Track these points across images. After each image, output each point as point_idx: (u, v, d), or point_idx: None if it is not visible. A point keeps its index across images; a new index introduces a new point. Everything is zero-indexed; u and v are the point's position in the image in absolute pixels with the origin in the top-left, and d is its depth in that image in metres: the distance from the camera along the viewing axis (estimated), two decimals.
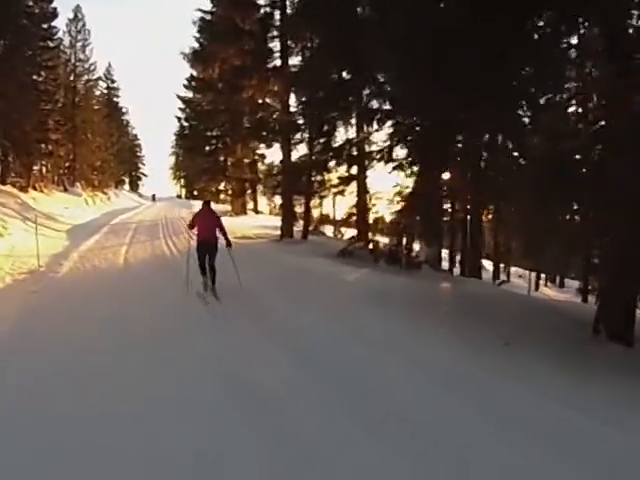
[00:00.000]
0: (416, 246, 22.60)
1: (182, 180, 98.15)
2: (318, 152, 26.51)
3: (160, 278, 16.37)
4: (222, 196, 57.85)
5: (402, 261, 20.34)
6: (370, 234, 25.00)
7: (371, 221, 27.01)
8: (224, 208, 51.56)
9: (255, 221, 40.56)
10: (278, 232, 29.12)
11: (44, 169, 51.66)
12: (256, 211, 52.09)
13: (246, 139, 39.92)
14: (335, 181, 27.08)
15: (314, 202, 28.76)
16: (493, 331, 11.61)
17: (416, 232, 20.97)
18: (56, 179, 55.32)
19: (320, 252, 22.76)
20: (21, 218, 27.74)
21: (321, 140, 26.22)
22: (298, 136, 27.51)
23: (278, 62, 28.09)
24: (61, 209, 41.15)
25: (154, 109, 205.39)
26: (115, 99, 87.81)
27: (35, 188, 44.22)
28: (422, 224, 20.70)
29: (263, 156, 47.50)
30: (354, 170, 26.61)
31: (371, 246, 23.04)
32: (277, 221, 36.72)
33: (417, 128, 18.03)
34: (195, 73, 48.24)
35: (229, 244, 14.21)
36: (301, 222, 28.49)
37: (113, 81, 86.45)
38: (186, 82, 52.85)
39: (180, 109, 56.44)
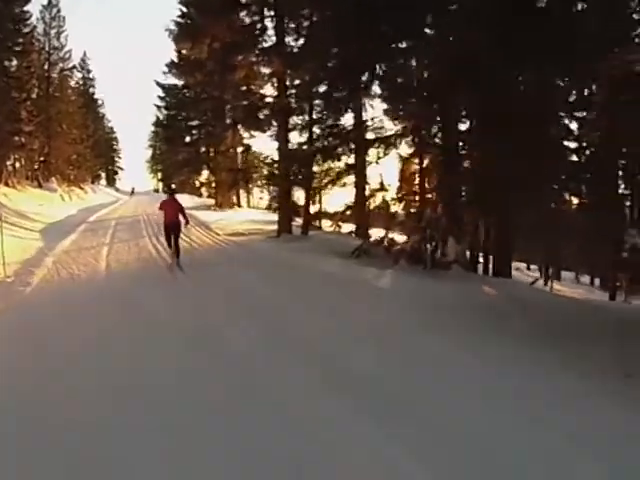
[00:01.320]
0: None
1: (159, 174, 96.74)
2: (322, 137, 23.87)
3: (151, 287, 13.75)
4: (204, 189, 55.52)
5: (427, 261, 17.66)
6: (386, 231, 22.26)
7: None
8: (204, 202, 49.53)
9: (242, 216, 37.71)
10: (271, 227, 26.63)
11: (17, 163, 48.67)
12: (238, 205, 49.38)
13: (235, 127, 37.31)
14: (336, 170, 24.55)
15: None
16: (592, 354, 9.10)
17: (441, 227, 18.32)
18: (30, 174, 52.61)
19: (327, 250, 20.25)
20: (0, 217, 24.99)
21: (328, 123, 23.61)
22: (298, 121, 24.97)
23: (272, 41, 25.63)
24: (35, 206, 38.30)
25: (129, 101, 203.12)
26: (91, 89, 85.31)
27: (7, 184, 41.54)
28: (449, 217, 18.22)
29: (249, 146, 45.21)
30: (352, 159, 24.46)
31: (386, 243, 20.36)
32: (265, 215, 35.26)
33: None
34: (179, 53, 45.56)
35: (187, 223, 18.13)
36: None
37: (89, 71, 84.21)
38: (166, 68, 49.87)
39: (159, 97, 53.38)
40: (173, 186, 24.00)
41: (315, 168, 24.52)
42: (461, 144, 19.47)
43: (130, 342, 9.06)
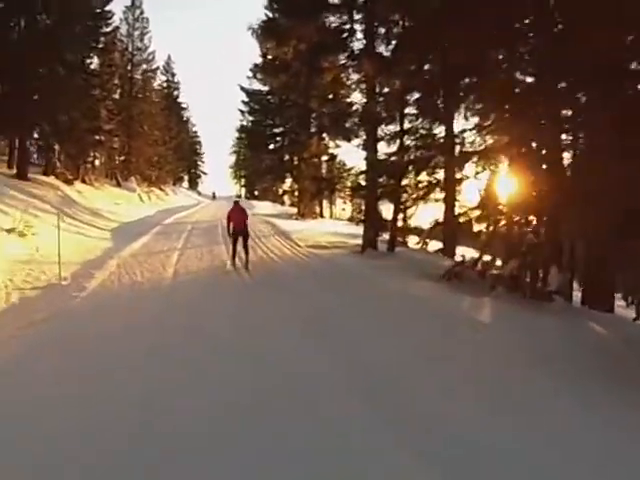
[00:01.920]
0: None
1: (242, 180, 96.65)
2: (414, 148, 22.12)
3: (220, 301, 12.30)
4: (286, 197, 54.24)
5: (525, 289, 15.72)
6: (480, 252, 20.23)
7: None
8: (286, 210, 48.40)
9: (324, 227, 35.97)
10: (355, 241, 25.01)
11: (97, 161, 48.17)
12: (321, 215, 47.99)
13: (320, 135, 35.94)
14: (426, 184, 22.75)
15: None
16: None
17: (544, 254, 16.37)
18: (109, 173, 52.72)
19: (415, 271, 18.22)
20: (58, 214, 23.91)
21: (422, 133, 21.97)
22: (387, 130, 23.30)
23: (358, 45, 23.95)
24: (111, 205, 37.98)
25: (214, 107, 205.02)
26: (175, 92, 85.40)
27: (85, 181, 41.05)
28: (553, 244, 16.32)
29: (334, 156, 43.87)
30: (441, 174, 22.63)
31: (479, 267, 18.38)
32: (348, 228, 33.51)
33: None
34: (264, 57, 45.15)
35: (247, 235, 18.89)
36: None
37: (173, 74, 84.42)
38: (251, 73, 48.84)
39: (244, 102, 52.27)
40: (244, 196, 23.86)
41: (404, 181, 22.93)
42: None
43: (186, 364, 7.78)
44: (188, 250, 20.72)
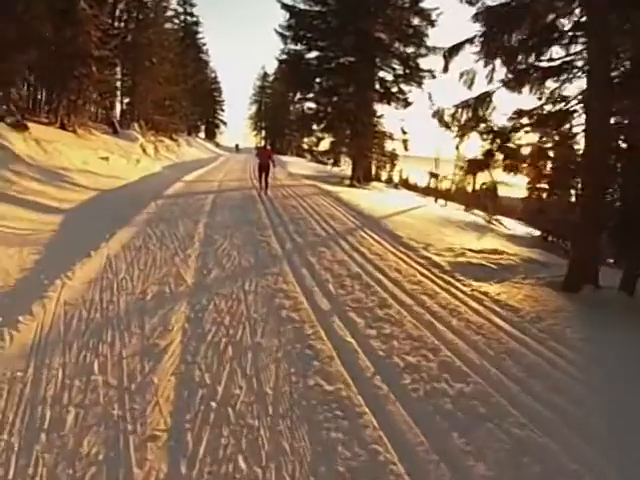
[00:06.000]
0: None
1: (262, 132, 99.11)
2: None
3: None
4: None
5: None
6: None
7: None
8: (327, 170, 43.38)
9: (412, 204, 25.70)
10: (507, 244, 15.39)
11: (80, 101, 35.46)
12: (375, 178, 40.09)
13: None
14: None
15: None
16: None
17: None
18: (103, 116, 42.62)
19: None
20: None
21: None
22: None
23: None
24: (94, 161, 25.89)
25: (234, 56, 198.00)
26: (193, 28, 76.94)
27: (64, 126, 29.88)
28: None
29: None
30: None
31: None
32: (446, 209, 28.02)
33: None
34: None
35: (274, 166, 24.93)
36: None
37: (192, 5, 75.42)
38: None
39: (284, 26, 39.16)
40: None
41: None
42: None
43: None
44: (209, 284, 8.97)
